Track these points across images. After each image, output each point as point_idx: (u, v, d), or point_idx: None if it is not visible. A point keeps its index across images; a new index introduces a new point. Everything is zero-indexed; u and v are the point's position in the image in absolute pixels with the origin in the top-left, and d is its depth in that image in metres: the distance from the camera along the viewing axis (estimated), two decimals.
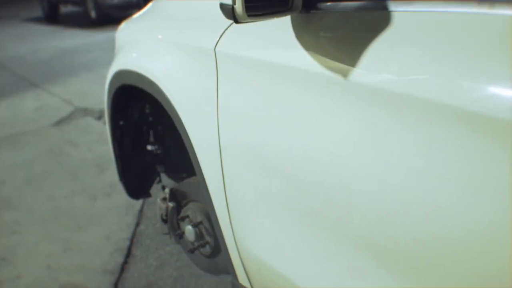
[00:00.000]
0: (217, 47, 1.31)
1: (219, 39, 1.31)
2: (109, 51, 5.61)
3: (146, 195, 2.37)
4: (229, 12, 0.92)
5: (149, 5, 2.04)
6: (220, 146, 1.33)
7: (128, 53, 1.87)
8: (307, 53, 1.05)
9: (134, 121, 2.17)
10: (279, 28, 1.13)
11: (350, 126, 0.95)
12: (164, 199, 1.91)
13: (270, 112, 1.17)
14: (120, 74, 1.89)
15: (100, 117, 4.37)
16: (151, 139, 2.22)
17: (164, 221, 1.95)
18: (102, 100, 4.00)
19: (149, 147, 2.22)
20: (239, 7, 0.90)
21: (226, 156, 1.33)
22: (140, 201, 2.87)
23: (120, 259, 2.39)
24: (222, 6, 0.94)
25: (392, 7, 0.89)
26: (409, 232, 0.87)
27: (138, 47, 1.80)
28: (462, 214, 0.77)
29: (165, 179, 2.35)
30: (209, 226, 1.70)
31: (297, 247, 1.20)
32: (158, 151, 2.21)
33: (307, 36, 1.07)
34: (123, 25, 2.18)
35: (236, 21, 0.93)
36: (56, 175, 3.38)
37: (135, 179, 2.30)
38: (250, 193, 1.30)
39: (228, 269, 1.62)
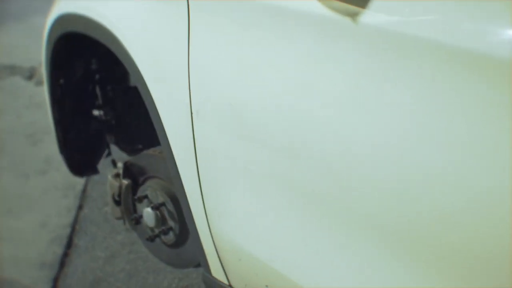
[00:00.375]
0: None
1: None
2: None
3: (93, 171, 2.22)
4: None
5: None
6: (191, 109, 1.28)
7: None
8: None
9: (77, 80, 2.02)
10: None
11: (345, 73, 0.95)
12: (116, 175, 1.79)
13: (256, 63, 1.13)
14: (63, 19, 1.74)
15: (31, 76, 4.02)
16: (99, 102, 2.09)
17: (117, 202, 1.81)
18: (33, 56, 3.94)
19: (95, 112, 2.10)
20: None
21: (199, 121, 1.27)
22: (82, 180, 2.69)
23: (59, 250, 2.23)
24: None
25: None
26: (413, 203, 0.89)
27: None
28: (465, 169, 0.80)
29: (116, 152, 2.25)
30: (173, 208, 1.61)
31: (288, 230, 1.18)
32: (107, 117, 2.10)
33: None
34: None
35: None
36: None
37: (79, 151, 2.14)
38: (228, 166, 1.27)
39: (197, 260, 1.64)
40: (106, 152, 2.23)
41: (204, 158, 1.32)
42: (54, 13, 1.79)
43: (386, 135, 0.89)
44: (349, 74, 0.94)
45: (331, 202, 1.05)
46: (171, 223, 1.64)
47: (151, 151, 1.72)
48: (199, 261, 1.54)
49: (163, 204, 1.63)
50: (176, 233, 1.63)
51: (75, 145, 2.09)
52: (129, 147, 2.13)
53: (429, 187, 0.85)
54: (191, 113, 1.30)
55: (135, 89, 1.91)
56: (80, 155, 2.14)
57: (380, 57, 0.89)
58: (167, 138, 1.39)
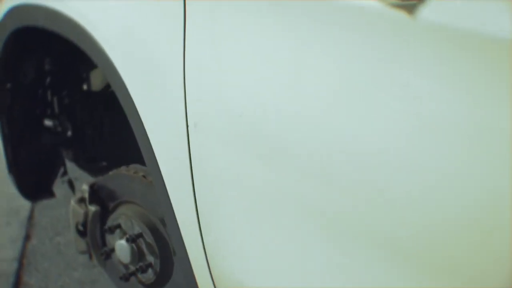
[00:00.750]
0: None
1: None
2: None
3: (48, 194, 2.03)
4: None
5: None
6: (187, 121, 1.20)
7: None
8: None
9: (28, 84, 1.86)
10: None
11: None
12: (80, 200, 1.63)
13: (272, 64, 1.06)
14: (17, 12, 1.62)
15: None
16: (56, 110, 1.95)
17: (81, 233, 1.66)
18: None
19: (47, 123, 1.95)
20: None
21: (197, 135, 1.19)
22: (27, 204, 2.50)
23: None
24: None
25: None
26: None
27: None
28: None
29: (73, 170, 2.11)
30: (152, 240, 1.48)
31: (313, 270, 1.11)
32: (62, 128, 1.97)
33: None
34: None
35: None
36: None
37: (31, 171, 1.97)
38: (239, 191, 1.17)
39: None
40: (62, 170, 2.03)
41: (203, 179, 1.21)
42: (5, 5, 1.67)
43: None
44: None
45: (364, 236, 0.98)
46: (150, 258, 1.49)
47: (123, 170, 1.58)
48: None
49: (140, 235, 1.48)
50: (157, 270, 1.48)
51: (27, 163, 1.93)
52: (91, 165, 2.00)
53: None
54: (187, 126, 1.19)
55: (97, 94, 1.92)
56: (33, 175, 1.98)
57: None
58: (154, 158, 1.28)
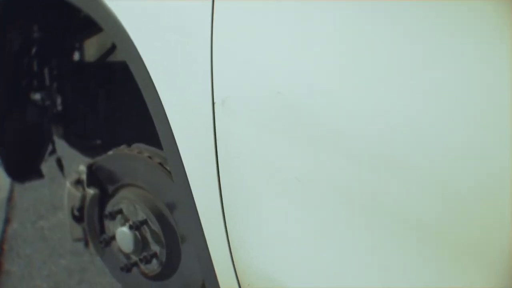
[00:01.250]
0: None
1: None
2: None
3: (37, 175, 1.93)
4: None
5: None
6: (213, 98, 1.13)
7: None
8: None
9: (13, 54, 1.77)
10: None
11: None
12: (77, 182, 1.54)
13: (303, 36, 1.03)
14: None
15: None
16: (45, 82, 1.86)
17: (77, 219, 1.57)
18: None
19: (34, 96, 1.87)
20: None
21: (225, 114, 1.13)
22: (6, 185, 2.46)
23: None
24: None
25: None
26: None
27: None
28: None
29: (62, 148, 2.00)
30: (159, 228, 1.41)
31: (352, 264, 1.07)
32: (51, 102, 1.89)
33: None
34: None
35: None
36: None
37: (19, 149, 1.89)
38: (272, 178, 1.11)
39: None
40: (50, 148, 1.94)
41: (232, 167, 1.15)
42: None
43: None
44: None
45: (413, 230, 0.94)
46: (155, 247, 1.42)
47: (125, 150, 1.49)
48: None
49: (145, 222, 1.41)
50: (162, 261, 1.42)
51: (12, 140, 1.85)
52: (83, 143, 1.92)
53: None
54: (213, 103, 1.12)
55: (91, 65, 1.88)
56: (19, 154, 1.89)
57: None
58: (173, 138, 1.21)
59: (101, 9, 1.27)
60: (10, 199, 2.39)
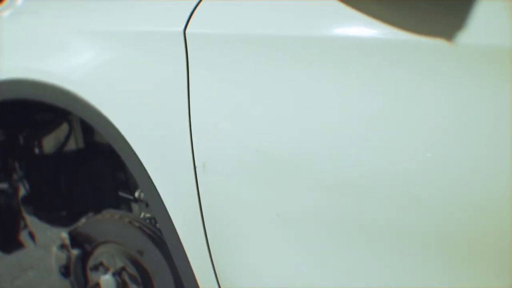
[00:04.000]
0: (187, 28, 1.19)
1: (189, 19, 1.21)
2: None
3: (18, 246, 2.07)
4: None
5: None
6: (194, 163, 1.19)
7: (6, 58, 1.57)
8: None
9: None
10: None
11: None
12: (62, 246, 1.70)
13: (273, 102, 1.09)
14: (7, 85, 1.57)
15: None
16: (17, 172, 2.00)
17: (64, 274, 1.72)
18: None
19: (1, 186, 2.00)
20: None
21: (207, 174, 1.19)
22: None
23: None
24: None
25: None
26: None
27: (28, 46, 1.52)
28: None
29: (33, 223, 2.11)
30: (135, 271, 1.55)
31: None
32: (15, 189, 2.01)
33: None
34: None
35: None
36: None
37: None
38: (253, 217, 1.17)
39: None
40: (22, 224, 2.06)
41: (214, 213, 1.23)
42: None
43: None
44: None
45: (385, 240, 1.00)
46: (133, 287, 1.56)
47: (98, 217, 1.67)
48: None
49: (123, 268, 1.56)
50: None
51: None
52: (50, 216, 2.01)
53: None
54: (194, 167, 1.20)
55: (50, 156, 1.95)
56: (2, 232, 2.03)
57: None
58: (162, 202, 1.29)
59: (86, 108, 1.33)
60: None
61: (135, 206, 1.93)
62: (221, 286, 1.28)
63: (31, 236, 2.05)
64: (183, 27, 1.17)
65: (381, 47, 0.92)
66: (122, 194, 1.96)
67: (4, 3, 1.81)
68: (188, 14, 1.18)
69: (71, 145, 1.99)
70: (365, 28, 0.94)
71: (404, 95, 0.91)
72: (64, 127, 1.97)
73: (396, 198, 0.94)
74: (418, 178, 0.92)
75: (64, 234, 1.67)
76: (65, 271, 1.70)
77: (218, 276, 1.28)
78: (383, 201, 0.96)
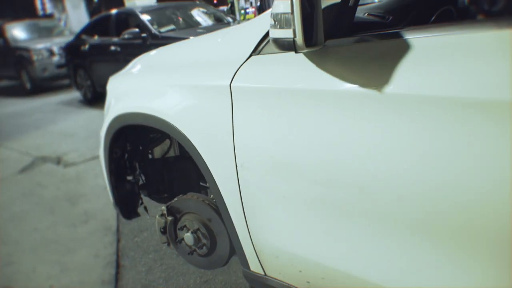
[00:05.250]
0: (232, 83, 1.35)
1: (234, 76, 1.36)
2: (49, 113, 6.60)
3: (136, 215, 2.46)
4: (285, 44, 1.05)
5: (134, 61, 2.18)
6: (236, 164, 1.38)
7: (130, 100, 1.90)
8: (315, 75, 1.14)
9: (118, 158, 2.30)
10: (287, 63, 1.23)
11: (361, 128, 1.04)
12: (162, 215, 2.02)
13: (284, 129, 1.23)
14: (121, 117, 1.94)
15: (58, 162, 4.47)
16: (138, 169, 2.37)
17: (163, 232, 2.05)
18: (55, 149, 4.82)
19: (128, 178, 2.37)
20: (299, 39, 1.03)
21: (243, 171, 1.37)
22: (114, 222, 2.98)
23: (112, 271, 2.49)
24: (277, 41, 1.08)
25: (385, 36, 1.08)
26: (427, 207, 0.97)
27: (141, 94, 1.83)
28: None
29: (147, 201, 2.47)
30: (205, 231, 1.83)
31: (318, 232, 1.24)
32: (137, 180, 2.36)
33: (319, 63, 1.16)
34: (113, 79, 2.29)
35: (296, 51, 1.06)
36: (34, 211, 3.46)
37: (125, 203, 2.39)
38: (267, 196, 1.33)
39: (222, 262, 1.81)
40: (140, 202, 2.44)
41: (247, 194, 1.38)
42: (111, 115, 1.98)
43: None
44: (365, 128, 1.01)
45: (353, 210, 1.11)
46: (204, 241, 1.85)
47: (184, 196, 1.93)
48: (225, 262, 1.78)
49: (198, 229, 1.85)
50: (208, 246, 1.84)
51: (122, 199, 2.33)
52: (158, 197, 2.35)
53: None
54: (236, 167, 1.37)
55: (158, 160, 2.26)
56: (126, 205, 2.38)
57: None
58: (216, 185, 1.46)
59: (171, 129, 1.53)
60: (118, 229, 2.91)
61: (209, 191, 2.13)
62: (252, 239, 1.45)
63: (146, 209, 2.41)
64: (229, 81, 1.35)
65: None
66: (201, 183, 2.18)
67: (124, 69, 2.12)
68: (234, 72, 1.36)
69: (171, 153, 2.31)
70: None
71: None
72: (167, 141, 2.29)
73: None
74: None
75: (163, 207, 1.98)
76: (164, 231, 2.00)
77: (250, 233, 1.45)
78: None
